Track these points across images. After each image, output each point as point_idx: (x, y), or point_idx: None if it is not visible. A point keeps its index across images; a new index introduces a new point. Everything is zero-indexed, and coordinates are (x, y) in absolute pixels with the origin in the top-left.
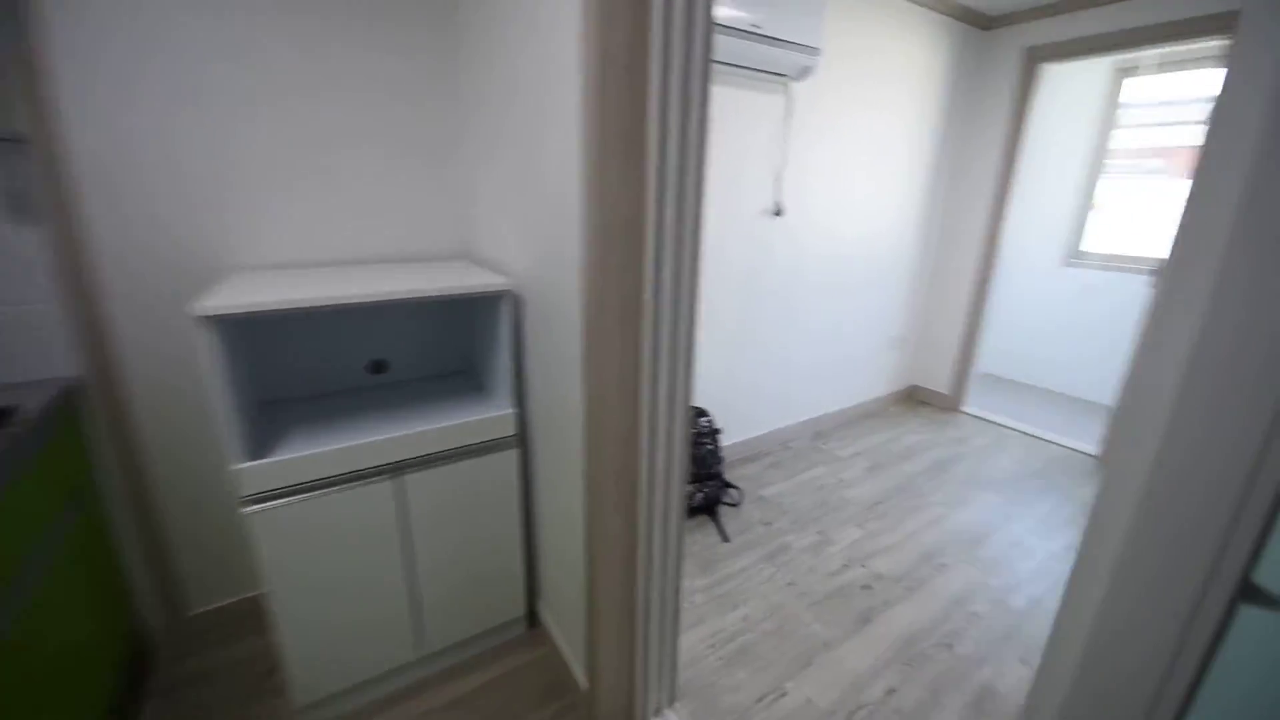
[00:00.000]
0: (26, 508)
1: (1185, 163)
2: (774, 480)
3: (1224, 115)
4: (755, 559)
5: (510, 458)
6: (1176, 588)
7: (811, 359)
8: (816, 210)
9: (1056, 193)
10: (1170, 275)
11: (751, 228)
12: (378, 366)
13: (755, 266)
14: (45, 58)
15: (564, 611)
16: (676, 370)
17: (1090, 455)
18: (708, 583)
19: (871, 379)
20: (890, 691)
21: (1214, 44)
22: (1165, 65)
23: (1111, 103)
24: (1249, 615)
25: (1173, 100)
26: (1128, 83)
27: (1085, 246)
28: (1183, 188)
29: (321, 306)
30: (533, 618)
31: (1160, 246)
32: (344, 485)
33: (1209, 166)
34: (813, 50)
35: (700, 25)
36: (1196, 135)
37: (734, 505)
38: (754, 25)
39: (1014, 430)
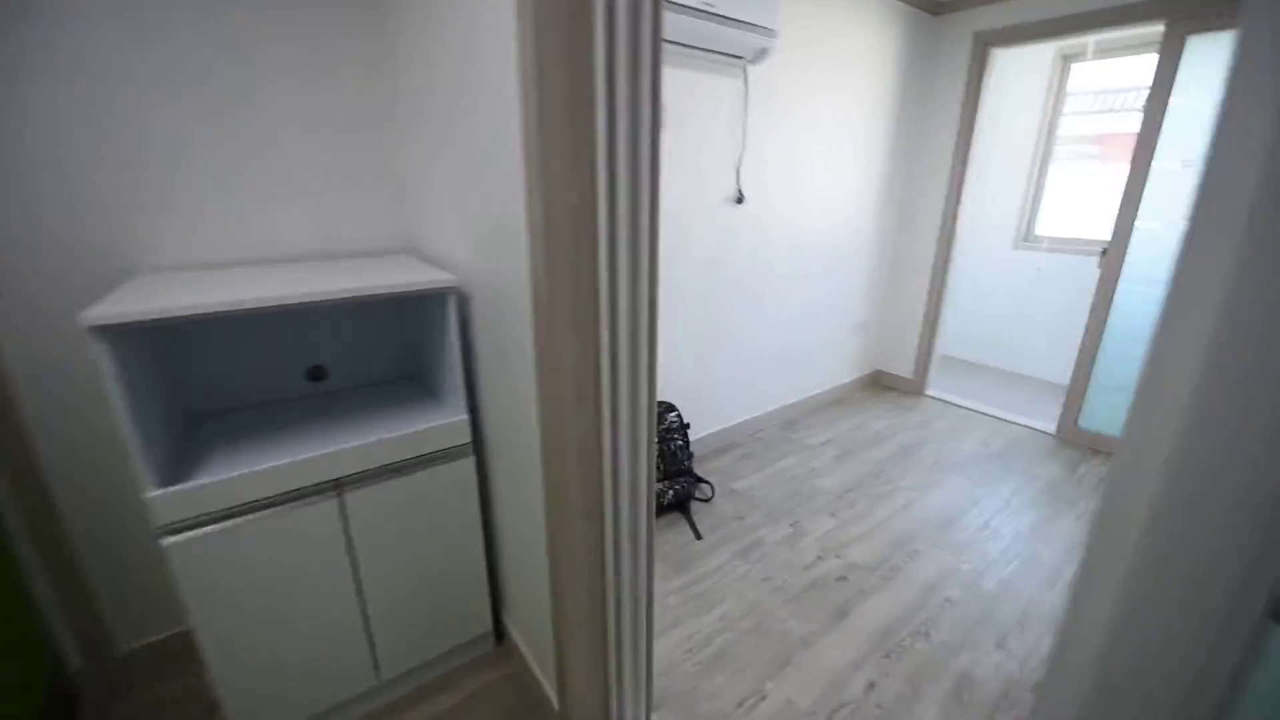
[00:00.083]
0: None
1: (1120, 149)
2: (746, 472)
3: (1237, 100)
4: (729, 555)
5: (465, 466)
6: (1202, 606)
7: (778, 347)
8: (777, 197)
9: (1009, 177)
10: (1184, 269)
11: (714, 215)
12: (316, 373)
13: (719, 255)
14: None
15: (532, 624)
16: (639, 364)
17: (1049, 434)
18: (682, 583)
19: (837, 366)
20: (870, 686)
21: (1153, 29)
22: (1103, 52)
23: (1060, 88)
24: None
25: (1107, 89)
26: (1076, 68)
27: (1038, 230)
28: (1118, 173)
29: (238, 310)
30: (500, 632)
31: (1103, 229)
32: (279, 507)
33: (1219, 155)
34: (768, 31)
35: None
36: (1132, 122)
37: (706, 500)
38: (706, 3)
39: (975, 412)
